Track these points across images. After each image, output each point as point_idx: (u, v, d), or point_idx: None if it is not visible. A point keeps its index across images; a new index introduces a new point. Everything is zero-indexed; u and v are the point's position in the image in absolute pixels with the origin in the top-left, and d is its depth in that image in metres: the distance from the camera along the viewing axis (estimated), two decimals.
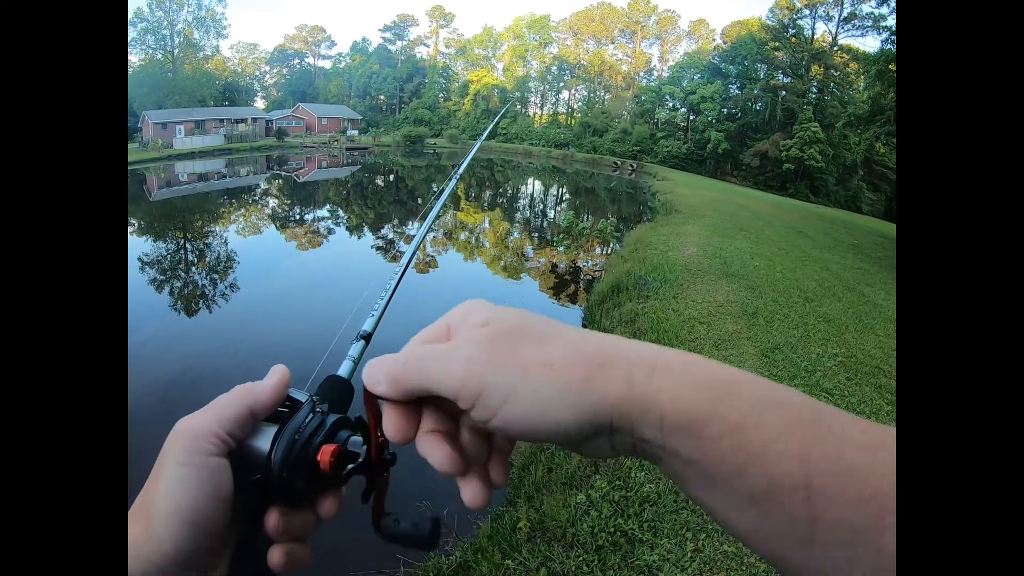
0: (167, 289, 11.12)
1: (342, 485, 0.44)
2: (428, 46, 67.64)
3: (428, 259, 13.82)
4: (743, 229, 14.36)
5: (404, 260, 0.86)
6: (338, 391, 0.49)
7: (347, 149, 45.34)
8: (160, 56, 49.53)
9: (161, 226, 18.50)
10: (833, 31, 48.54)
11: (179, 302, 10.48)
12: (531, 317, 0.37)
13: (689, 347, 5.27)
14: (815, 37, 49.67)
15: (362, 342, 0.62)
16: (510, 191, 28.33)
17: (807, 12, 48.94)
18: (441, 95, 63.04)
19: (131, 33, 48.51)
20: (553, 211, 24.21)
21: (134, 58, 49.79)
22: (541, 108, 63.70)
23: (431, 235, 16.87)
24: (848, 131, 29.00)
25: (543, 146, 51.21)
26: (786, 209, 24.30)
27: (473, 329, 0.36)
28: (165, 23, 49.64)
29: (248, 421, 0.42)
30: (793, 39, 48.96)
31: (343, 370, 0.54)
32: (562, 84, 61.75)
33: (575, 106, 61.97)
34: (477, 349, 0.34)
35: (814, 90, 48.76)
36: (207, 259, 13.72)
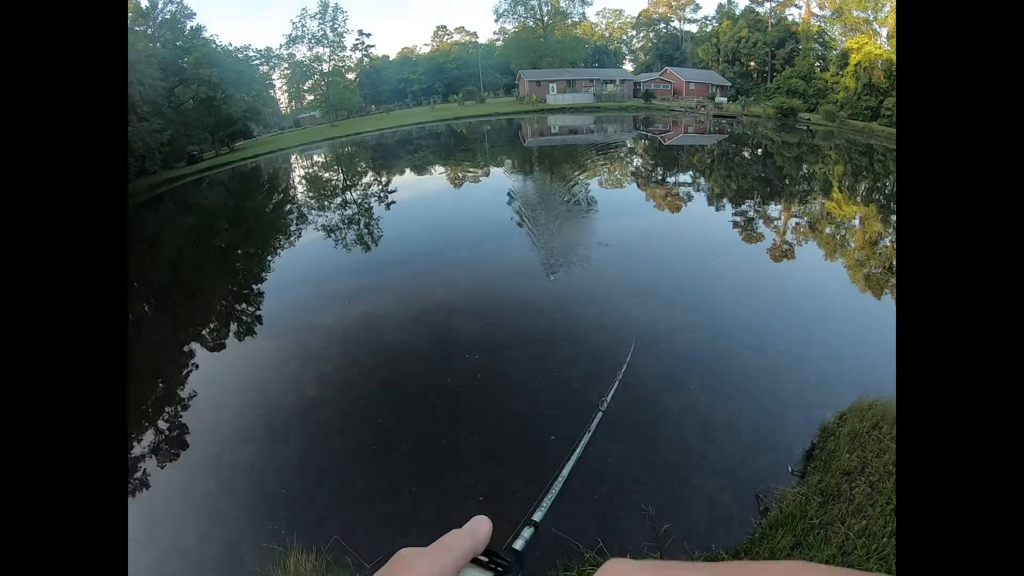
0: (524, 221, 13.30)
1: None
2: (800, 7, 59.89)
3: (786, 248, 12.91)
4: None
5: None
6: (520, 563, 0.59)
7: (714, 116, 44.42)
8: (532, 23, 56.40)
9: (530, 167, 21.46)
10: None
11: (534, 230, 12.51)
12: (668, 571, 0.45)
13: None
14: None
15: (532, 528, 0.75)
16: (890, 186, 23.99)
17: None
18: (817, 64, 55.78)
19: (503, 5, 56.93)
20: None
21: (508, 26, 58.08)
22: None
23: (793, 221, 15.64)
24: None
25: None
26: None
27: None
28: None
29: (466, 562, 0.53)
30: None
31: (517, 545, 0.68)
32: None
33: None
34: None
35: None
36: (569, 201, 15.48)
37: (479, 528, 0.55)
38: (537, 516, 0.84)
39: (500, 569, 0.54)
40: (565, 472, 1.10)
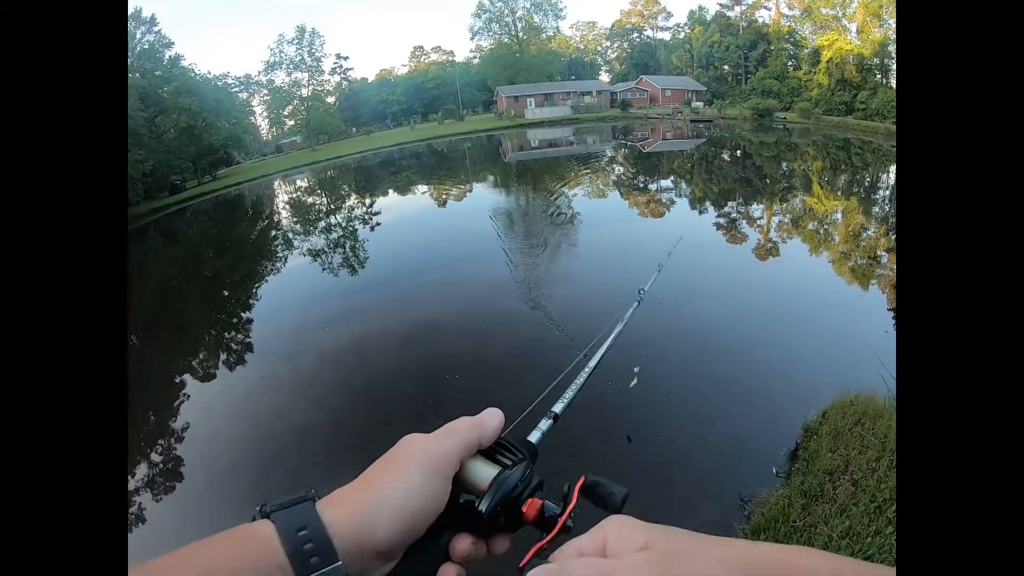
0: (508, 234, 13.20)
1: (531, 527, 0.51)
2: (770, 9, 61.10)
3: (770, 246, 13.05)
4: None
5: (593, 361, 0.97)
6: (532, 455, 0.57)
7: (691, 121, 44.96)
8: (507, 40, 57.70)
9: (511, 183, 21.59)
10: None
11: (513, 247, 12.23)
12: (679, 538, 0.44)
13: None
14: None
15: (551, 420, 0.72)
16: (868, 179, 24.37)
17: None
18: (790, 63, 56.87)
19: (477, 23, 58.28)
20: None
21: (484, 43, 59.54)
22: None
23: (777, 219, 15.85)
24: None
25: None
26: None
27: (635, 552, 0.43)
28: (506, 11, 57.61)
29: (472, 451, 0.51)
30: None
31: (533, 437, 0.64)
32: None
33: None
34: (646, 572, 0.41)
35: None
36: (551, 214, 15.55)
37: (489, 419, 0.54)
38: (557, 408, 0.77)
39: (508, 463, 0.52)
40: (592, 363, 0.99)
